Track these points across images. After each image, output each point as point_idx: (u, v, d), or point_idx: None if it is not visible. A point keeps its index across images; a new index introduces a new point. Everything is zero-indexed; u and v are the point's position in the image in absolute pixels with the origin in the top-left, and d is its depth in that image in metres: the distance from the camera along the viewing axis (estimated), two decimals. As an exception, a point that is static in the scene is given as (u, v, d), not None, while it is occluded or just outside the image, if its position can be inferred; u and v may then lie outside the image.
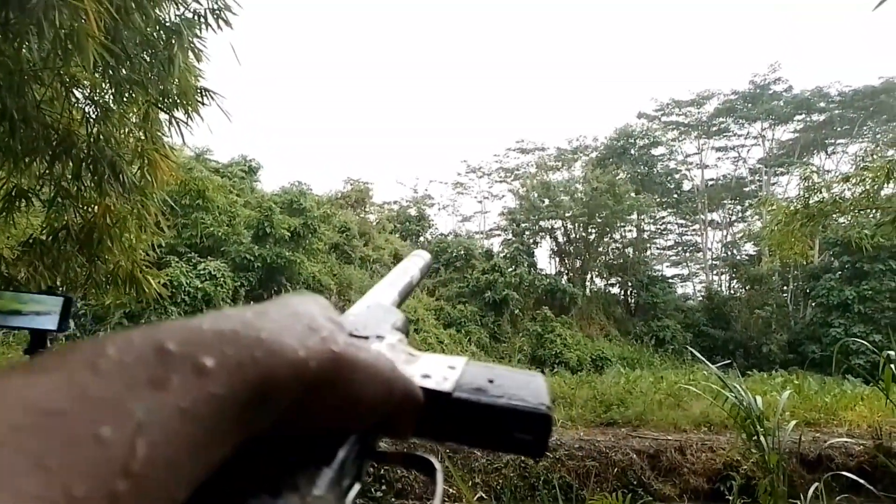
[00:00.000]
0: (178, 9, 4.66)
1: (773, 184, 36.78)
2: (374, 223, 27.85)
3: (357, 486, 0.30)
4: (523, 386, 0.35)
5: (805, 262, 15.35)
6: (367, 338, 0.39)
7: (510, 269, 24.56)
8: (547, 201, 29.09)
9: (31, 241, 5.01)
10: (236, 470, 0.25)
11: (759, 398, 4.32)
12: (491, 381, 0.35)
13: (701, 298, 32.26)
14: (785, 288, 30.00)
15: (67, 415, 0.19)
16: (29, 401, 0.19)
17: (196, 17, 4.72)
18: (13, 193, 4.79)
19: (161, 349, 0.22)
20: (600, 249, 31.13)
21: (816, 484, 3.73)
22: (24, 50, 3.99)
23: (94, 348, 0.22)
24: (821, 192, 11.63)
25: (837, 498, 4.26)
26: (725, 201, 38.01)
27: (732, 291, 33.28)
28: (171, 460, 0.20)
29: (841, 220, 13.31)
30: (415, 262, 0.68)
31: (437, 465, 0.34)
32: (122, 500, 0.18)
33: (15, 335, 11.41)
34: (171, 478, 0.20)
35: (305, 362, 0.26)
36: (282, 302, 0.31)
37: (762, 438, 3.89)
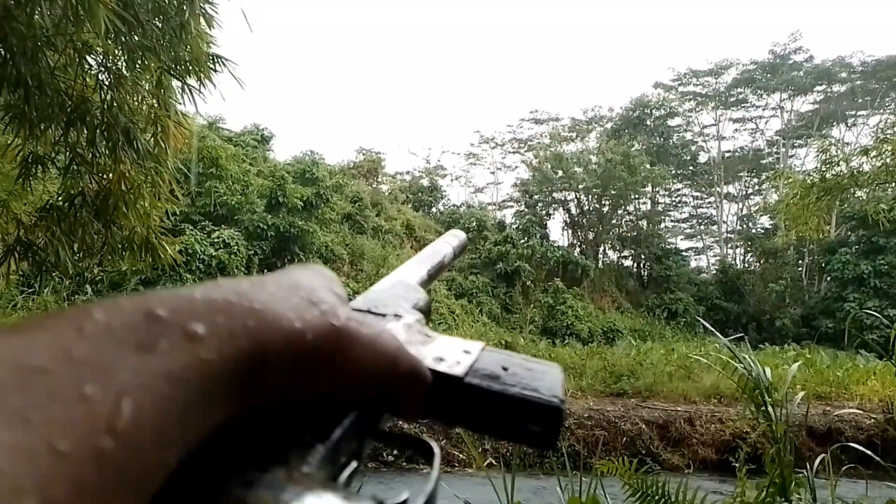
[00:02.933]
0: (190, -26, 4.62)
1: (791, 156, 36.22)
2: (387, 193, 27.85)
3: (354, 464, 0.30)
4: (537, 377, 0.34)
5: (821, 237, 15.16)
6: (384, 315, 0.39)
7: (522, 241, 24.53)
8: (560, 173, 28.88)
9: (48, 206, 5.07)
10: (230, 440, 0.24)
11: (768, 370, 4.32)
12: (505, 369, 0.34)
13: (715, 272, 32.14)
14: (800, 262, 29.79)
15: (51, 373, 0.18)
16: (11, 359, 0.18)
17: (208, -17, 4.68)
18: (29, 160, 4.84)
19: (151, 314, 0.22)
20: (614, 222, 30.98)
21: (823, 455, 3.74)
22: (36, 16, 3.99)
23: (81, 312, 0.21)
24: (839, 166, 11.45)
25: (844, 469, 4.28)
26: (742, 174, 37.51)
27: (747, 265, 33.11)
28: (158, 423, 0.20)
29: (858, 193, 13.11)
30: (448, 242, 0.66)
31: (437, 450, 0.33)
32: (108, 458, 0.18)
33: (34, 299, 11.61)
34: (158, 440, 0.20)
35: (302, 333, 0.26)
36: (284, 274, 0.31)
37: (770, 409, 3.90)
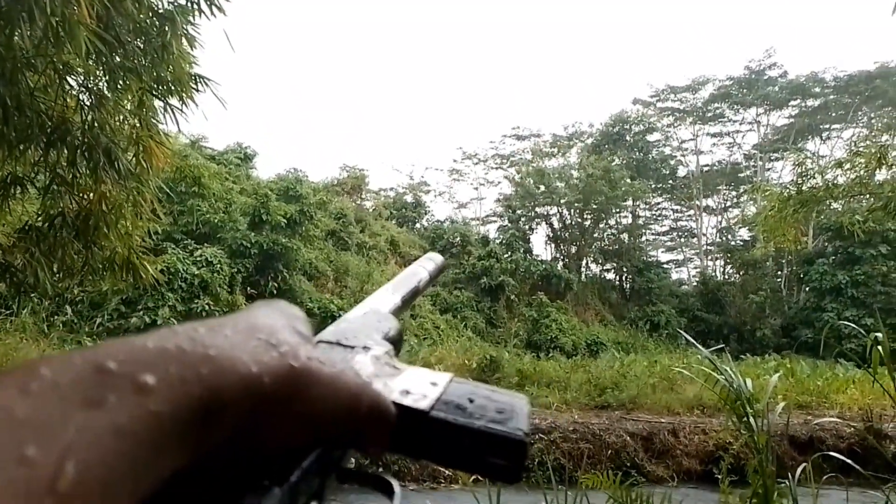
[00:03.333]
0: (171, -5, 4.64)
1: (768, 169, 36.81)
2: (371, 210, 27.83)
3: None
4: (503, 409, 0.34)
5: (798, 248, 15.42)
6: (353, 347, 0.39)
7: (506, 255, 24.64)
8: (542, 188, 29.11)
9: (27, 227, 5.03)
10: (186, 487, 0.24)
11: (749, 381, 4.37)
12: (471, 401, 0.34)
13: (695, 283, 32.46)
14: (779, 273, 30.18)
15: None
16: None
17: (189, 4, 4.71)
18: (8, 180, 4.81)
19: (100, 368, 0.22)
20: (595, 235, 31.21)
21: (805, 464, 3.79)
22: (15, 37, 3.98)
23: (27, 370, 0.21)
24: (814, 178, 11.67)
25: (825, 477, 4.33)
26: (720, 187, 38.03)
27: (727, 276, 33.45)
28: (104, 478, 0.19)
29: (834, 205, 13.37)
30: (423, 266, 0.66)
31: (397, 489, 0.33)
32: None
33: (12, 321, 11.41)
34: (105, 495, 0.19)
35: (259, 377, 0.26)
36: (244, 315, 0.30)
37: (751, 419, 3.95)
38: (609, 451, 8.93)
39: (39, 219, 5.08)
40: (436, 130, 66.90)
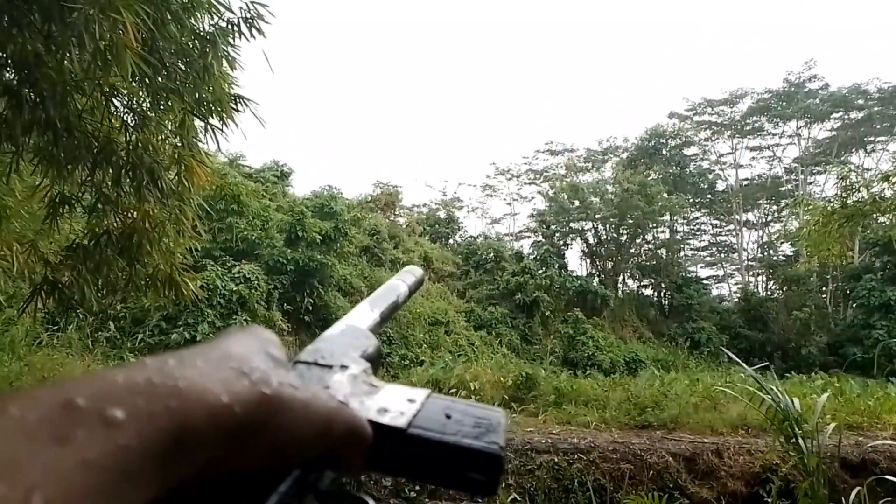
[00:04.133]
0: (213, 18, 4.76)
1: (810, 183, 35.96)
2: (404, 226, 27.98)
3: None
4: (479, 424, 0.34)
5: (844, 263, 14.96)
6: (331, 367, 0.39)
7: (540, 271, 24.42)
8: (577, 203, 28.86)
9: (74, 245, 5.17)
10: None
11: (796, 400, 4.23)
12: (448, 417, 0.35)
13: (737, 300, 31.66)
14: (824, 289, 29.30)
15: None
16: None
17: (230, 27, 4.82)
18: (57, 200, 4.95)
19: (68, 404, 0.22)
20: (632, 251, 30.78)
21: (859, 488, 3.63)
22: (65, 62, 4.13)
23: None
24: (860, 192, 11.35)
25: (881, 502, 4.14)
26: (761, 201, 37.25)
27: (769, 293, 32.60)
28: None
29: (881, 219, 12.94)
30: (403, 280, 0.66)
31: None
32: None
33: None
34: None
35: (229, 407, 0.26)
36: (216, 343, 0.31)
37: (800, 441, 3.81)
38: (651, 472, 8.71)
39: (85, 237, 5.22)
40: (468, 146, 67.24)
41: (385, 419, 0.34)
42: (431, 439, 0.33)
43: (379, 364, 0.46)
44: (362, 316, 0.54)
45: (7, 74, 4.40)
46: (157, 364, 0.26)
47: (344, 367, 0.39)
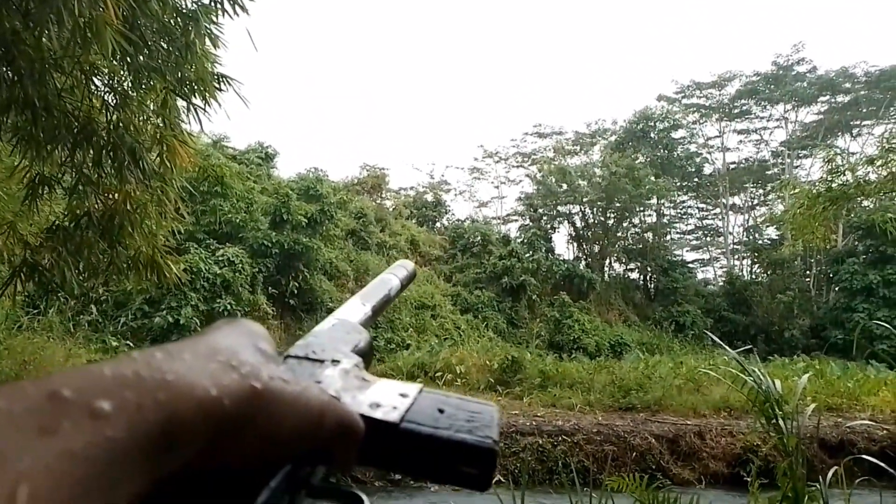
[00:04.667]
0: (195, -5, 4.67)
1: (797, 167, 36.20)
2: (391, 209, 27.90)
3: None
4: (472, 418, 0.34)
5: (828, 246, 15.12)
6: (322, 361, 0.39)
7: (527, 255, 24.50)
8: (564, 186, 28.92)
9: (54, 227, 5.10)
10: None
11: (778, 382, 4.28)
12: (441, 412, 0.35)
13: (722, 283, 31.97)
14: (808, 272, 29.64)
15: None
16: None
17: (213, 3, 4.73)
18: (36, 181, 4.87)
19: (54, 395, 0.22)
20: (619, 234, 30.94)
21: (836, 467, 3.69)
22: (44, 39, 4.03)
23: None
24: (844, 175, 11.43)
25: (857, 481, 4.22)
26: (747, 185, 37.48)
27: (754, 276, 32.96)
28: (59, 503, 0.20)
29: (865, 203, 13.08)
30: (395, 274, 0.66)
31: (367, 502, 0.33)
32: None
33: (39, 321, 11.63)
34: None
35: (219, 400, 0.26)
36: (204, 337, 0.30)
37: (780, 421, 3.86)
38: (634, 454, 8.83)
39: (66, 219, 5.15)
40: (456, 129, 66.93)
41: (377, 414, 0.34)
42: (424, 434, 0.33)
43: (371, 359, 0.46)
44: (354, 310, 0.53)
45: (-17, 52, 4.30)
46: (145, 357, 0.26)
47: (335, 361, 0.39)
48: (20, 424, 0.20)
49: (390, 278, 0.64)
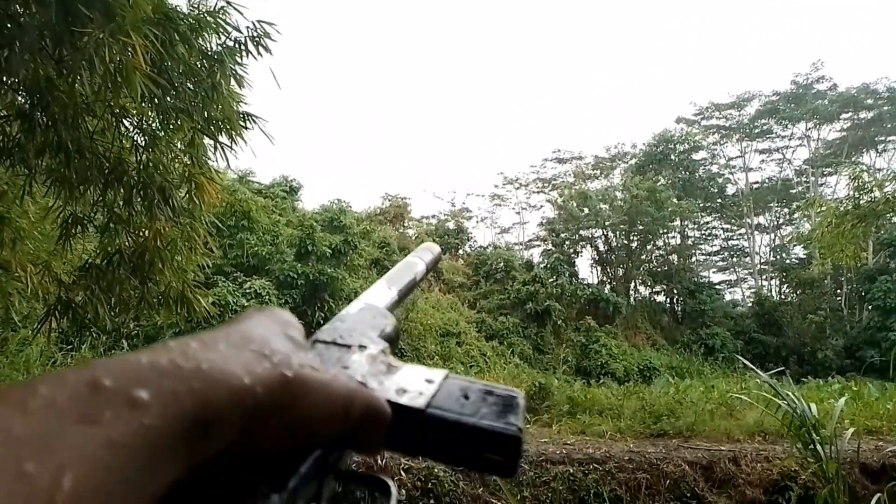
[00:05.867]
0: (220, 38, 4.81)
1: (822, 184, 35.71)
2: (413, 238, 27.99)
3: None
4: (498, 405, 0.34)
5: (858, 264, 14.83)
6: (349, 346, 0.40)
7: (551, 280, 24.33)
8: (586, 210, 28.79)
9: (87, 265, 5.21)
10: (186, 497, 0.25)
11: (813, 406, 4.19)
12: (467, 398, 0.35)
13: (750, 304, 31.40)
14: (838, 291, 29.01)
15: None
16: None
17: (237, 45, 4.87)
18: (69, 221, 5.01)
19: (95, 385, 0.23)
20: (643, 257, 30.63)
21: (879, 494, 3.58)
22: (76, 85, 4.18)
23: (25, 389, 0.22)
24: (872, 192, 11.26)
25: (902, 508, 4.08)
26: (772, 204, 37.03)
27: (783, 296, 32.31)
28: (101, 490, 0.20)
29: (895, 219, 12.82)
30: (420, 257, 0.65)
31: (394, 489, 0.34)
32: None
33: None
34: None
35: (251, 389, 0.26)
36: (236, 326, 0.32)
37: (818, 447, 3.77)
38: (668, 481, 8.62)
39: (98, 256, 5.27)
40: (476, 156, 67.34)
41: (404, 399, 0.34)
42: (450, 420, 0.33)
43: (397, 344, 0.46)
44: (380, 294, 0.53)
45: (20, 98, 4.48)
46: (181, 347, 0.27)
47: (363, 346, 0.40)
48: (63, 412, 0.21)
49: (416, 261, 0.64)
